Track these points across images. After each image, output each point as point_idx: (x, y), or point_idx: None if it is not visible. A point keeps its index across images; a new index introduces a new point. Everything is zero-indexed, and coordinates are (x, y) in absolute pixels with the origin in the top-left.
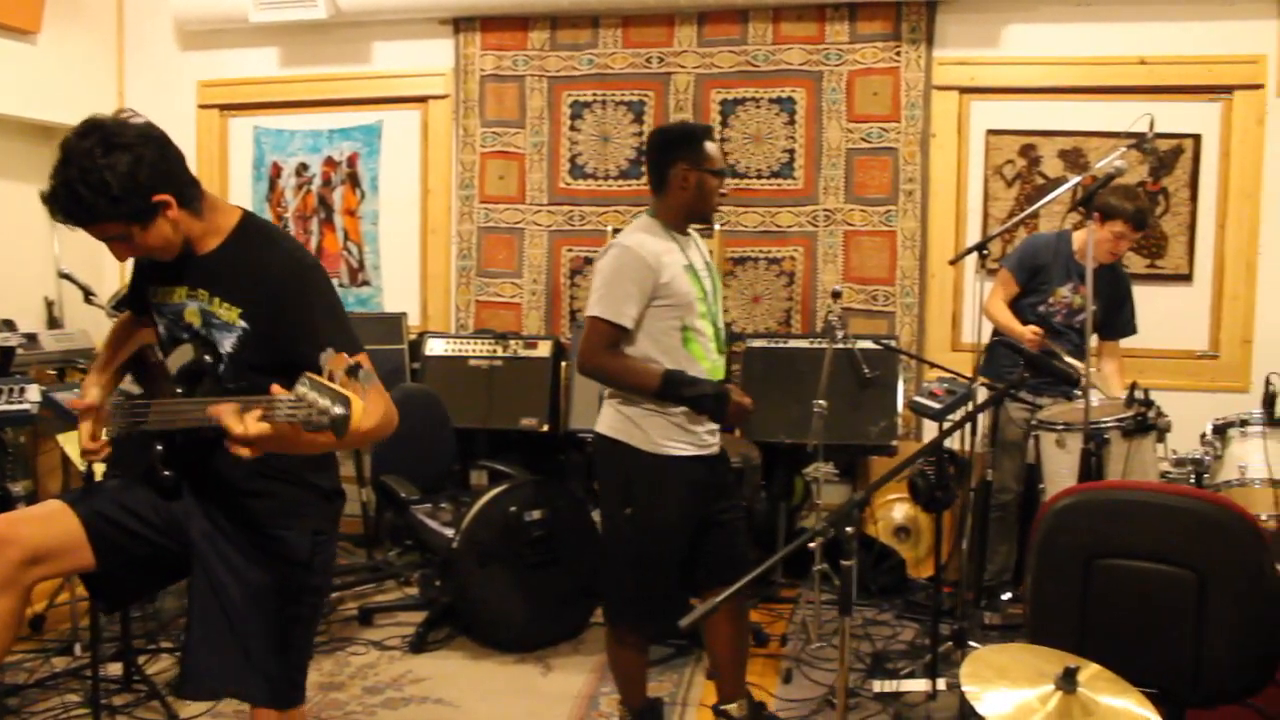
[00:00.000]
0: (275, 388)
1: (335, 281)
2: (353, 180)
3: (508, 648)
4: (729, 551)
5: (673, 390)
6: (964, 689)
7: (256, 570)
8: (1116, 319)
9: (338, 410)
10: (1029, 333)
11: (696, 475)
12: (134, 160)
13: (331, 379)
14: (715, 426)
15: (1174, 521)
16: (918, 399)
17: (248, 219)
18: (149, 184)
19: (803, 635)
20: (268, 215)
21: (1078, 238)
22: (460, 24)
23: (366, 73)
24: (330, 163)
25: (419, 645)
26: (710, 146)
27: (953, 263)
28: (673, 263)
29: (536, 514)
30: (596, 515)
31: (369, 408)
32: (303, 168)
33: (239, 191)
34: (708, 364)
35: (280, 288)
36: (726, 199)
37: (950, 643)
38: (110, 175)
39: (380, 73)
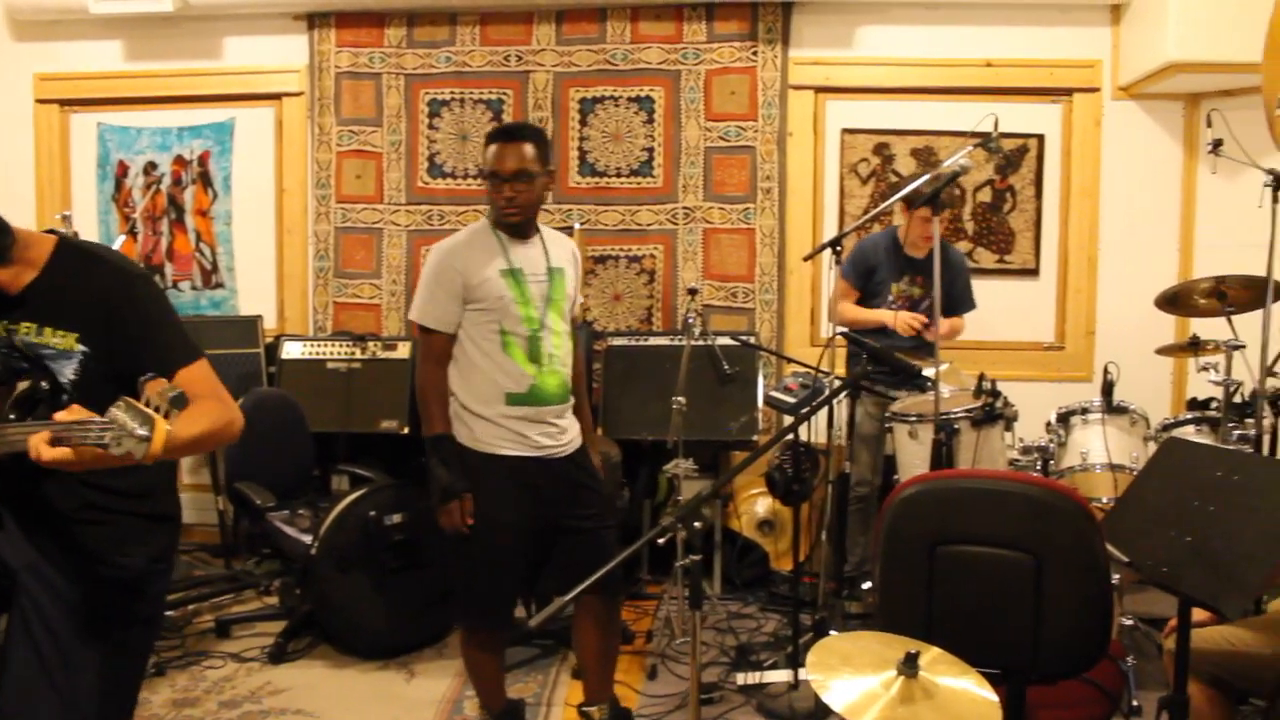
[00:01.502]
0: (78, 409)
1: (187, 284)
2: (204, 179)
3: (370, 654)
4: (585, 557)
5: (432, 452)
6: (810, 678)
7: (86, 599)
8: (951, 295)
9: (141, 432)
10: (887, 315)
11: (528, 476)
12: None
13: (148, 404)
14: (560, 428)
15: (1011, 507)
16: (773, 394)
17: (63, 244)
18: None
19: (667, 631)
20: (114, 216)
21: (902, 232)
22: (314, 19)
23: (217, 68)
24: (180, 161)
25: (279, 655)
26: (490, 149)
27: (807, 259)
28: (486, 265)
29: (397, 518)
30: None
31: (196, 414)
32: (151, 166)
33: (83, 191)
34: (532, 369)
35: (109, 301)
36: (582, 198)
37: (812, 633)
38: None
39: (232, 69)
